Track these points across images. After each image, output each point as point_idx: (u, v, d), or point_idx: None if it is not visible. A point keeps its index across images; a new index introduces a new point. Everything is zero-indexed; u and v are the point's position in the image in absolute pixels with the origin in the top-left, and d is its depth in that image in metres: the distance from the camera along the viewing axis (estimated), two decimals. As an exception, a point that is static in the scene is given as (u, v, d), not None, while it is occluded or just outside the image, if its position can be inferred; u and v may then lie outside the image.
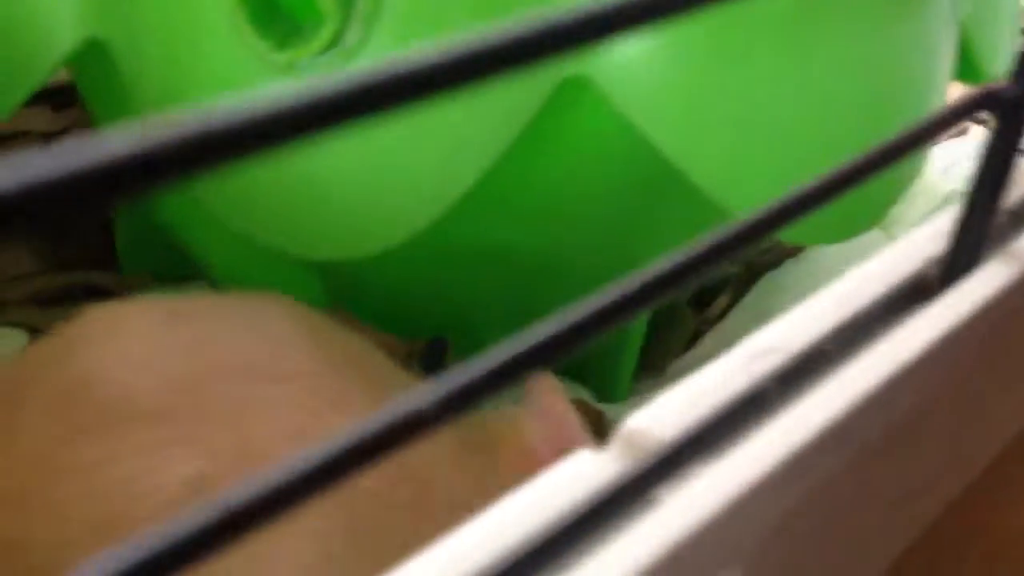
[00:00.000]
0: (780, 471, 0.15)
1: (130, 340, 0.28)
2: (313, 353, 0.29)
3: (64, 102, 0.52)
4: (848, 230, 0.33)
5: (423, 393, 0.11)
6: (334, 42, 0.29)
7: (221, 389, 0.27)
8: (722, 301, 0.44)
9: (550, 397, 0.28)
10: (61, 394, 0.27)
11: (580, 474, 0.14)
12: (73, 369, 0.27)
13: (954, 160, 0.53)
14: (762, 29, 0.30)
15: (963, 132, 0.58)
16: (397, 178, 0.31)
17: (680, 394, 0.16)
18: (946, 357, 0.18)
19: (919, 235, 0.20)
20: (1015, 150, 0.19)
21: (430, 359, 0.39)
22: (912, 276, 0.20)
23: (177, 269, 0.45)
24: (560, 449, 0.27)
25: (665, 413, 0.15)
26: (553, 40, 0.10)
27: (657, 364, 0.42)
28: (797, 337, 0.18)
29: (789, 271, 0.44)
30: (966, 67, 0.37)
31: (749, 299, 0.43)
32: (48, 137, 0.53)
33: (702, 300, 0.45)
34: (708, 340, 0.42)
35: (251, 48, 0.30)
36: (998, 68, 0.38)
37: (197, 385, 0.27)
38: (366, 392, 0.29)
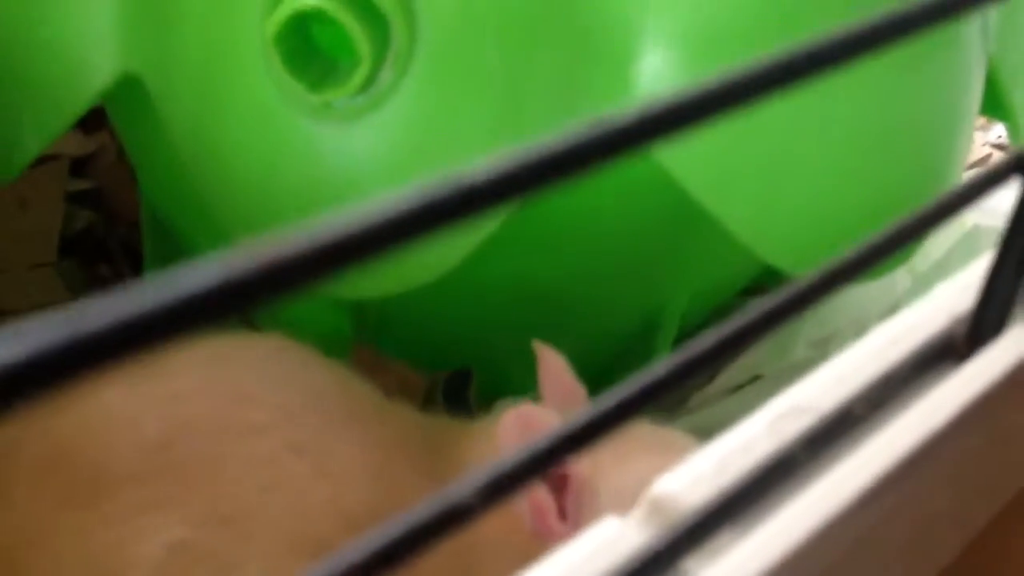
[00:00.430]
0: (811, 541, 0.15)
1: (109, 399, 0.28)
2: (289, 401, 0.29)
3: (94, 125, 0.53)
4: (873, 272, 0.33)
5: (464, 485, 0.11)
6: (369, 83, 0.30)
7: (195, 447, 0.28)
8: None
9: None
10: (46, 461, 0.28)
11: (607, 543, 0.14)
12: (55, 433, 0.28)
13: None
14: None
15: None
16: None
17: (708, 458, 0.16)
18: (975, 420, 0.18)
19: (946, 291, 0.20)
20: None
21: (453, 391, 0.40)
22: (940, 336, 0.20)
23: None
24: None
25: (692, 478, 0.15)
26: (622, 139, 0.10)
27: (679, 396, 0.42)
28: (824, 398, 0.18)
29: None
30: (990, 102, 0.38)
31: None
32: (79, 159, 0.54)
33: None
34: (729, 372, 0.43)
35: (285, 88, 0.30)
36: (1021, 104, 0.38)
37: (172, 444, 0.28)
38: (339, 437, 0.29)
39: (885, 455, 0.17)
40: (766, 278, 0.45)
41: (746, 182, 0.31)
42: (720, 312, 0.45)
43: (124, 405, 0.28)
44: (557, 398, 0.30)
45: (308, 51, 0.30)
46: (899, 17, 0.14)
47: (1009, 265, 0.19)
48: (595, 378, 0.42)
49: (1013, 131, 0.42)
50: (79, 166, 0.54)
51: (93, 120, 0.51)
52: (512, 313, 0.38)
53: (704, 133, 0.33)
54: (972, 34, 0.34)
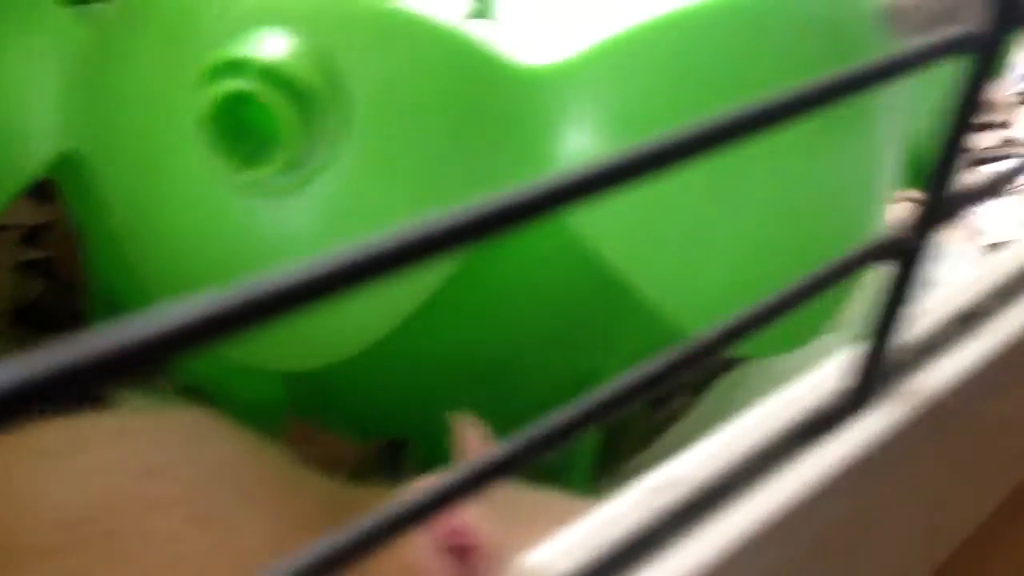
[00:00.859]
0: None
1: (20, 473, 0.29)
2: (197, 475, 0.30)
3: (46, 195, 0.54)
4: (789, 344, 0.35)
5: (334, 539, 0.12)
6: (296, 162, 0.31)
7: (102, 522, 0.28)
8: (680, 400, 0.45)
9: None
10: None
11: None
12: None
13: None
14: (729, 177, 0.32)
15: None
16: (355, 296, 0.32)
17: (582, 529, 0.17)
18: (840, 490, 0.19)
19: (824, 371, 0.21)
20: (912, 295, 0.20)
21: (388, 461, 0.40)
22: (814, 411, 0.21)
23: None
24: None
25: (565, 549, 0.16)
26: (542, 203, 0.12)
27: (615, 463, 0.43)
28: (701, 470, 0.19)
29: (745, 371, 0.45)
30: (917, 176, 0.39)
31: (707, 398, 0.44)
32: (32, 229, 0.55)
33: (660, 399, 0.46)
34: (667, 439, 0.43)
35: (217, 166, 0.31)
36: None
37: (81, 519, 0.28)
38: (246, 510, 0.30)
39: (751, 524, 0.17)
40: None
41: (662, 253, 0.32)
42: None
43: (35, 480, 0.29)
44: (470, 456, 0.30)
45: (239, 130, 0.31)
46: (793, 97, 0.16)
47: (878, 344, 0.20)
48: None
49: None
50: (32, 235, 0.55)
51: (47, 190, 0.52)
52: (445, 382, 0.39)
53: (621, 204, 0.34)
54: (884, 113, 0.35)
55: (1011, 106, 0.74)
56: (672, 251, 0.32)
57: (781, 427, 0.20)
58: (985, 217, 0.64)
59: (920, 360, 0.22)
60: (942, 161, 0.19)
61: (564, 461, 0.41)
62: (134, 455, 0.30)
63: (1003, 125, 0.73)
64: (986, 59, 0.18)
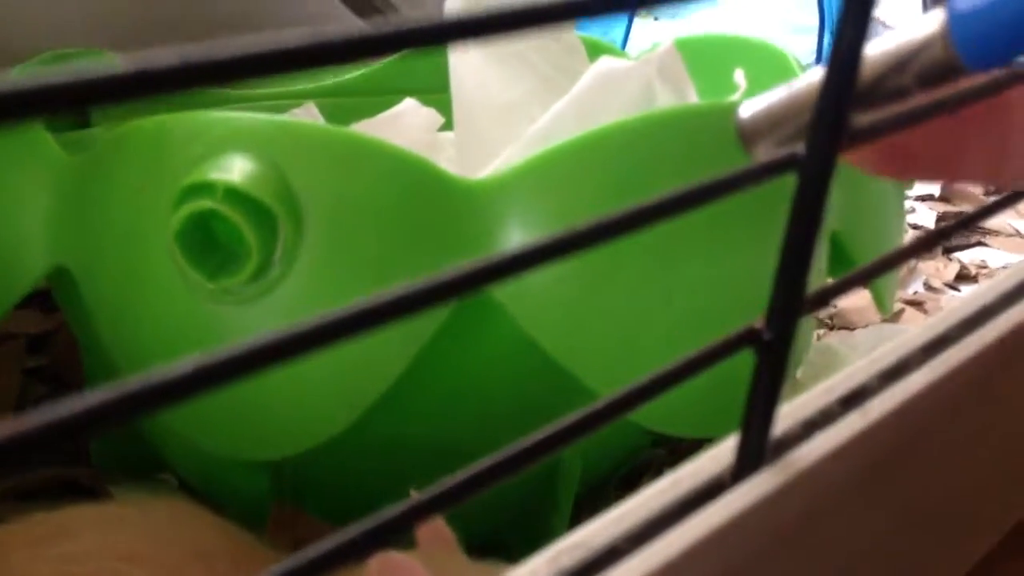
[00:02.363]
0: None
1: (11, 565, 0.31)
2: (174, 560, 0.32)
3: (53, 305, 0.57)
4: (717, 427, 0.37)
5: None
6: (260, 273, 0.34)
7: None
8: (647, 481, 0.47)
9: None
10: None
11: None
12: None
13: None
14: (633, 250, 0.35)
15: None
16: (317, 389, 0.35)
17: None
18: (712, 552, 0.21)
19: (714, 449, 0.24)
20: (780, 380, 0.22)
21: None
22: (705, 481, 0.23)
23: (148, 463, 0.49)
24: None
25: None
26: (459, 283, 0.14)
27: (599, 505, 0.45)
28: (600, 535, 0.22)
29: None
30: (845, 267, 0.42)
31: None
32: (36, 337, 0.58)
33: (629, 480, 0.48)
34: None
35: (188, 276, 0.34)
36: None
37: None
38: None
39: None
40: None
41: (596, 343, 0.35)
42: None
43: (24, 566, 0.31)
44: (429, 545, 0.32)
45: (209, 244, 0.35)
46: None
47: (755, 424, 0.23)
48: (494, 531, 0.45)
49: (878, 302, 0.46)
50: (37, 344, 0.58)
51: (52, 301, 0.55)
52: (413, 465, 0.41)
53: (557, 299, 0.37)
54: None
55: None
56: (604, 339, 0.35)
57: (670, 497, 0.23)
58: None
59: (805, 435, 0.25)
60: (790, 260, 0.21)
61: (533, 540, 0.43)
62: (115, 542, 0.33)
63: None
64: (811, 179, 0.20)
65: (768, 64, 0.51)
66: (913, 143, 0.23)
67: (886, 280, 0.46)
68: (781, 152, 0.20)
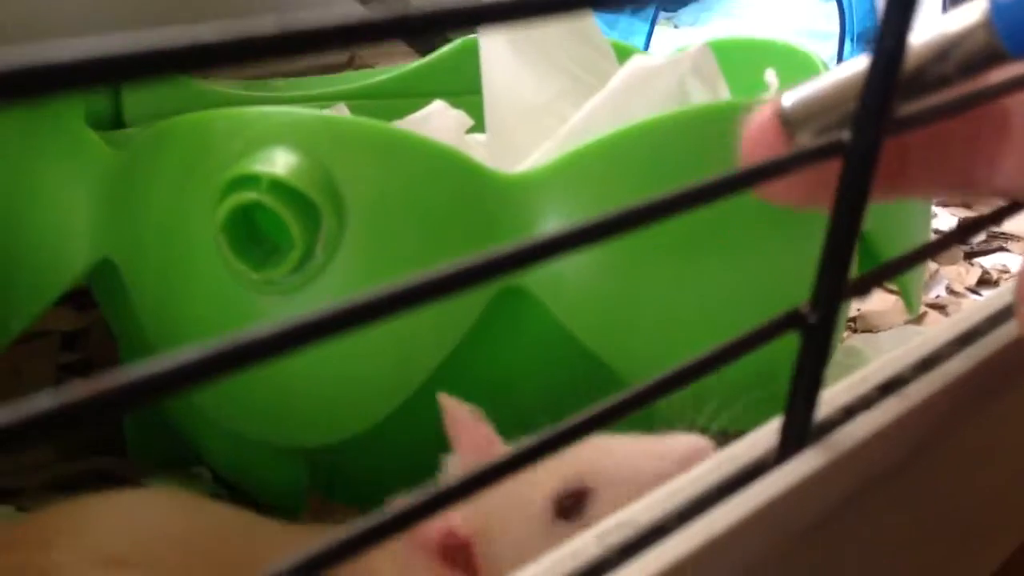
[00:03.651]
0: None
1: None
2: (157, 556, 0.33)
3: (86, 303, 0.58)
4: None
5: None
6: (303, 263, 0.34)
7: None
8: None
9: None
10: None
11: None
12: None
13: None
14: (668, 242, 0.35)
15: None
16: (356, 378, 0.36)
17: (543, 563, 0.20)
18: (757, 529, 0.22)
19: (757, 431, 0.24)
20: (823, 362, 0.23)
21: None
22: (750, 462, 0.24)
23: (182, 456, 0.50)
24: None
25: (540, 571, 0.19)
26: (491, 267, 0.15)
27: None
28: (646, 513, 0.22)
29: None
30: (872, 262, 0.42)
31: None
32: (71, 334, 0.59)
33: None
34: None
35: (233, 268, 0.35)
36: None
37: None
38: None
39: (680, 555, 0.20)
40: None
41: (633, 336, 0.35)
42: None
43: None
44: (470, 449, 0.33)
45: (252, 235, 0.35)
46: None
47: (799, 407, 0.23)
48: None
49: (907, 301, 0.46)
50: (71, 340, 0.59)
51: (86, 298, 0.56)
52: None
53: (595, 288, 0.37)
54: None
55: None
56: (641, 331, 0.36)
57: (716, 477, 0.23)
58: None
59: (846, 418, 0.25)
60: (836, 246, 0.22)
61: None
62: (96, 546, 0.33)
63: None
64: (856, 165, 0.21)
65: (795, 66, 0.52)
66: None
67: (914, 280, 0.46)
68: (827, 138, 0.21)
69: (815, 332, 0.23)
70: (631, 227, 0.18)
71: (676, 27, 1.15)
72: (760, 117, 0.24)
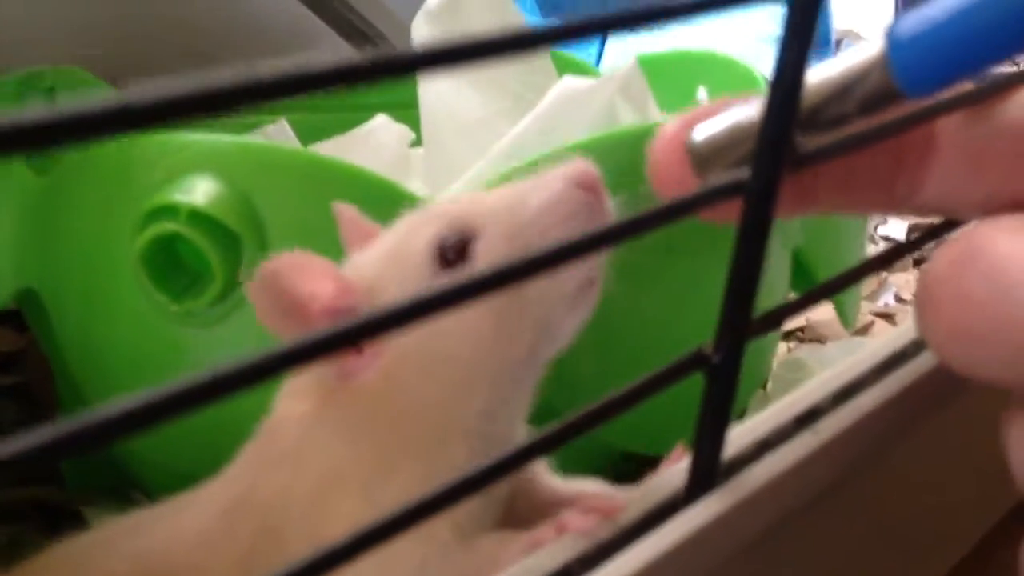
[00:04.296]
0: None
1: None
2: None
3: (25, 324, 0.57)
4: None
5: None
6: (223, 295, 0.34)
7: None
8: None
9: None
10: None
11: None
12: None
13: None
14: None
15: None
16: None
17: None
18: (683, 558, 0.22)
19: (667, 471, 0.24)
20: (728, 402, 0.23)
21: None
22: (658, 503, 0.23)
23: (119, 481, 0.49)
24: None
25: None
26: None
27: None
28: (552, 558, 0.22)
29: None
30: (808, 282, 0.42)
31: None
32: (9, 356, 0.58)
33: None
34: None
35: (153, 298, 0.35)
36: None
37: None
38: None
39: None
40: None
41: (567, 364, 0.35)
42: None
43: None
44: (358, 245, 0.32)
45: (174, 265, 0.35)
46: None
47: (705, 440, 0.23)
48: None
49: (841, 316, 0.46)
50: (9, 362, 0.58)
51: (23, 320, 0.55)
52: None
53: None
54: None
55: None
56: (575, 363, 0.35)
57: (624, 519, 0.23)
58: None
59: (757, 455, 0.25)
60: (738, 284, 0.22)
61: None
62: None
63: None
64: (756, 203, 0.20)
65: (734, 79, 0.52)
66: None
67: (849, 295, 0.46)
68: (727, 177, 0.21)
69: (719, 372, 0.22)
70: (539, 271, 0.17)
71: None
72: (663, 149, 0.24)
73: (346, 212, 0.33)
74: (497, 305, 0.29)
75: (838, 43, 1.13)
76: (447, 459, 0.30)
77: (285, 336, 0.28)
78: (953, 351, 0.19)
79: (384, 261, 0.30)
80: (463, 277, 0.16)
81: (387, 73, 0.13)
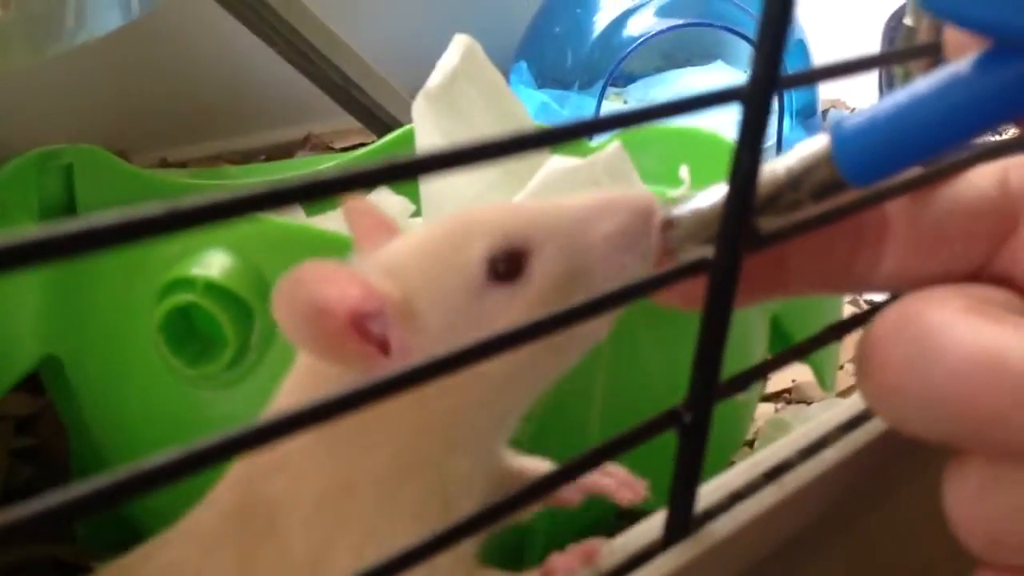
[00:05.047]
0: None
1: None
2: None
3: (39, 387, 0.59)
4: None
5: None
6: (236, 360, 0.36)
7: None
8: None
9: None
10: None
11: None
12: None
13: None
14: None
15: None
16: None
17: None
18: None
19: (648, 521, 0.26)
20: (699, 458, 0.25)
21: None
22: (637, 550, 0.26)
23: (131, 538, 0.51)
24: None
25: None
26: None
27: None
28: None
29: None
30: (783, 342, 0.45)
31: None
32: (24, 419, 0.60)
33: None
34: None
35: (171, 364, 0.37)
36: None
37: None
38: None
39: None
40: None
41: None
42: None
43: None
44: (369, 238, 0.31)
45: (188, 333, 0.37)
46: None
47: (680, 488, 0.25)
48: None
49: (819, 378, 0.49)
50: (25, 425, 0.61)
51: (39, 382, 0.57)
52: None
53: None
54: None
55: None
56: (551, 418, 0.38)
57: (607, 564, 0.25)
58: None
59: (728, 506, 0.27)
60: (706, 352, 0.24)
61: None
62: None
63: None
64: (720, 280, 0.23)
65: (719, 155, 0.54)
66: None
67: (827, 358, 0.49)
68: (692, 256, 0.23)
69: (690, 431, 0.25)
70: (513, 345, 0.20)
71: (626, 102, 1.18)
72: None
73: (357, 205, 0.32)
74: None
75: (824, 113, 1.17)
76: (455, 469, 0.29)
77: (312, 351, 0.28)
78: (884, 408, 0.21)
79: (424, 268, 0.29)
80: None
81: (401, 176, 0.15)
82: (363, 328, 0.28)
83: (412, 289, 0.28)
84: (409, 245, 0.30)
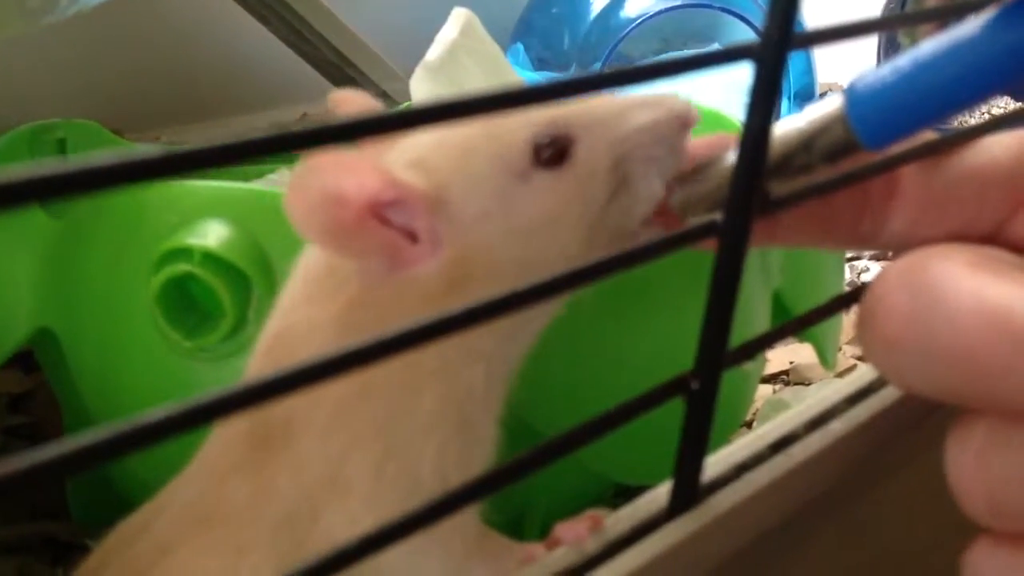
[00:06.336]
0: None
1: None
2: None
3: (33, 364, 0.59)
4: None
5: None
6: (234, 332, 0.36)
7: None
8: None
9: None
10: None
11: None
12: None
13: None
14: (595, 307, 0.37)
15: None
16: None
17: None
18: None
19: (654, 491, 0.26)
20: (707, 426, 0.25)
21: None
22: (642, 520, 0.25)
23: (125, 516, 0.50)
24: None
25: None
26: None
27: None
28: (536, 571, 0.24)
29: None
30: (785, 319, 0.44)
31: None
32: (18, 396, 0.60)
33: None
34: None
35: (167, 336, 0.36)
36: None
37: None
38: None
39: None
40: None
41: (548, 391, 0.37)
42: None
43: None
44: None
45: (186, 304, 0.37)
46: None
47: (686, 461, 0.25)
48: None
49: (820, 357, 0.48)
50: (18, 402, 0.60)
51: (33, 360, 0.57)
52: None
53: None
54: (751, 270, 0.41)
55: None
56: (555, 392, 0.37)
57: (610, 534, 0.25)
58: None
59: (734, 477, 0.27)
60: (715, 318, 0.24)
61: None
62: None
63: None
64: (729, 244, 0.22)
65: (719, 129, 0.54)
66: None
67: (828, 336, 0.48)
68: (702, 220, 0.23)
69: (698, 398, 0.24)
70: (517, 307, 0.19)
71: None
72: None
73: (345, 96, 0.32)
74: (590, 218, 0.28)
75: (822, 95, 1.16)
76: (466, 382, 0.29)
77: (324, 243, 0.27)
78: (886, 362, 0.21)
79: (456, 157, 0.28)
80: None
81: (396, 127, 0.15)
82: (384, 218, 0.27)
83: (442, 179, 0.28)
84: (434, 139, 0.29)
